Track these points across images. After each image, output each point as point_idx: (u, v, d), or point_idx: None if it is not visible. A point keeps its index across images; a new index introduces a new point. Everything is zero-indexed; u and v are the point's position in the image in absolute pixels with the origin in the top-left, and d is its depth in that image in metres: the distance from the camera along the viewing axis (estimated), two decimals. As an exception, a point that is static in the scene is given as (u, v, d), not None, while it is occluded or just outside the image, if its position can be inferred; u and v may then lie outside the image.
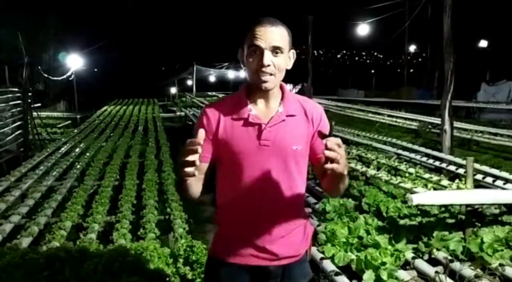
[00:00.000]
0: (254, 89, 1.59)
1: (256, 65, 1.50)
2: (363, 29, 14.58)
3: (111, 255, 3.30)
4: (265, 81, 1.51)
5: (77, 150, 9.84)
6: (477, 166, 5.89)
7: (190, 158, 1.28)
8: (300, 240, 1.69)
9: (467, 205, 4.17)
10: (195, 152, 1.27)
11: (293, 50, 1.59)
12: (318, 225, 4.64)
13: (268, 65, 1.49)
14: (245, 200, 1.60)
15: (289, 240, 1.65)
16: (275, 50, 1.49)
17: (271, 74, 1.51)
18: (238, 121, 1.58)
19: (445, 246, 4.06)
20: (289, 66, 1.59)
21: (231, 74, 38.32)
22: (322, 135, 1.35)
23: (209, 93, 35.01)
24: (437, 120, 11.33)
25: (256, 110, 1.59)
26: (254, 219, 1.61)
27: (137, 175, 7.25)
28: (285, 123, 1.58)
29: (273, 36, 1.49)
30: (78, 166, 7.92)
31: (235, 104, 1.60)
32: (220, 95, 27.24)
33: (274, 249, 1.61)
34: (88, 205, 5.64)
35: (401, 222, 4.56)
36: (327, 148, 1.29)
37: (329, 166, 1.31)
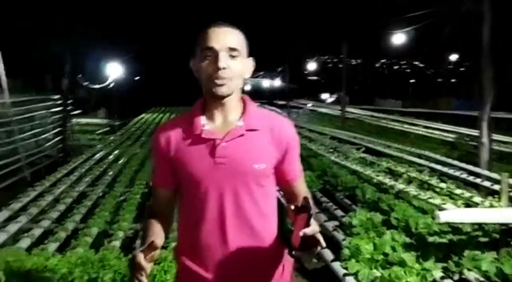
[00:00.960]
0: (209, 101, 1.42)
1: (211, 69, 1.34)
2: (399, 38, 14.29)
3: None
4: (220, 85, 1.34)
5: (111, 156, 10.09)
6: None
7: None
8: (275, 276, 1.47)
9: (502, 224, 3.95)
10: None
11: (251, 58, 1.45)
12: (343, 239, 4.52)
13: (224, 68, 1.32)
14: (204, 230, 1.40)
15: (262, 278, 1.44)
16: (232, 52, 1.34)
17: (227, 79, 1.34)
18: (190, 139, 1.40)
19: (477, 266, 3.85)
20: (247, 75, 1.44)
21: (266, 83, 38.50)
22: (300, 209, 1.25)
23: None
24: (475, 132, 10.89)
25: (211, 125, 1.41)
26: (215, 254, 1.41)
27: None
28: (244, 139, 1.38)
29: (229, 37, 1.35)
30: (111, 172, 8.11)
31: (189, 121, 1.43)
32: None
33: None
34: (116, 212, 5.75)
35: (430, 239, 4.37)
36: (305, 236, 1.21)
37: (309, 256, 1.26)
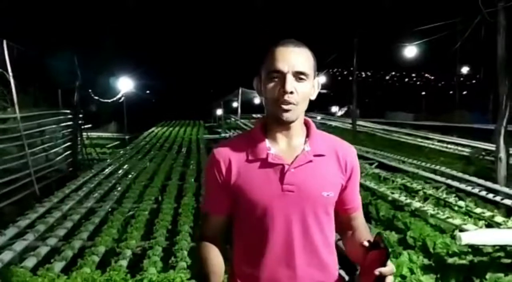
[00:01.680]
0: (272, 124, 1.33)
1: (277, 92, 1.25)
2: (410, 51, 14.12)
3: (136, 287, 3.21)
4: (286, 111, 1.26)
5: (121, 171, 10.02)
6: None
7: None
8: None
9: (526, 245, 3.76)
10: None
11: (318, 79, 1.35)
12: (358, 260, 4.34)
13: (291, 92, 1.24)
14: (269, 261, 1.30)
15: None
16: (299, 75, 1.26)
17: (293, 104, 1.26)
18: (254, 163, 1.31)
19: (501, 290, 3.66)
20: (313, 97, 1.34)
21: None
22: (374, 246, 1.18)
23: (254, 115, 35.25)
24: (491, 147, 10.64)
25: (276, 149, 1.32)
26: None
27: (176, 198, 7.23)
28: (313, 165, 1.30)
29: (297, 58, 1.26)
30: (119, 188, 8.02)
31: (250, 143, 1.34)
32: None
33: None
34: (124, 229, 5.64)
35: (450, 260, 4.19)
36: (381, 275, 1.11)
37: None
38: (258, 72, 1.34)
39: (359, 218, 1.44)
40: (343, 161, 1.35)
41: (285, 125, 1.32)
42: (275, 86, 1.26)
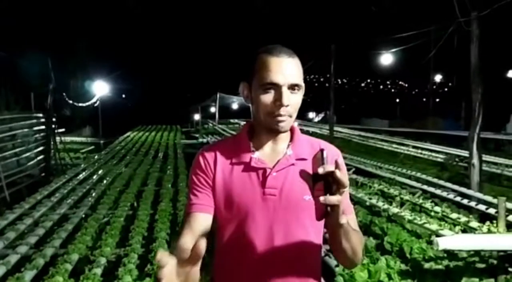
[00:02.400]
0: (260, 129, 1.33)
1: (272, 105, 1.25)
2: (387, 58, 14.37)
3: (110, 296, 3.12)
4: (281, 121, 1.26)
5: (95, 176, 9.81)
6: (510, 205, 5.46)
7: None
8: None
9: (500, 250, 3.82)
10: None
11: (303, 85, 1.34)
12: (336, 266, 4.34)
13: (287, 105, 1.24)
14: (249, 268, 1.28)
15: None
16: (294, 87, 1.25)
17: (288, 115, 1.26)
18: (238, 166, 1.31)
19: (476, 295, 3.72)
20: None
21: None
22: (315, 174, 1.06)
23: (231, 120, 35.21)
24: (464, 153, 10.89)
25: (260, 153, 1.32)
26: None
27: (152, 204, 7.11)
28: (294, 169, 1.29)
29: (292, 70, 1.25)
30: (94, 194, 7.85)
31: (236, 146, 1.34)
32: (242, 123, 27.38)
33: None
34: (99, 236, 5.51)
35: (426, 265, 4.24)
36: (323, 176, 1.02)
37: (322, 198, 1.02)
38: (246, 78, 1.31)
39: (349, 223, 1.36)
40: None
41: (276, 133, 1.32)
42: (271, 99, 1.25)
